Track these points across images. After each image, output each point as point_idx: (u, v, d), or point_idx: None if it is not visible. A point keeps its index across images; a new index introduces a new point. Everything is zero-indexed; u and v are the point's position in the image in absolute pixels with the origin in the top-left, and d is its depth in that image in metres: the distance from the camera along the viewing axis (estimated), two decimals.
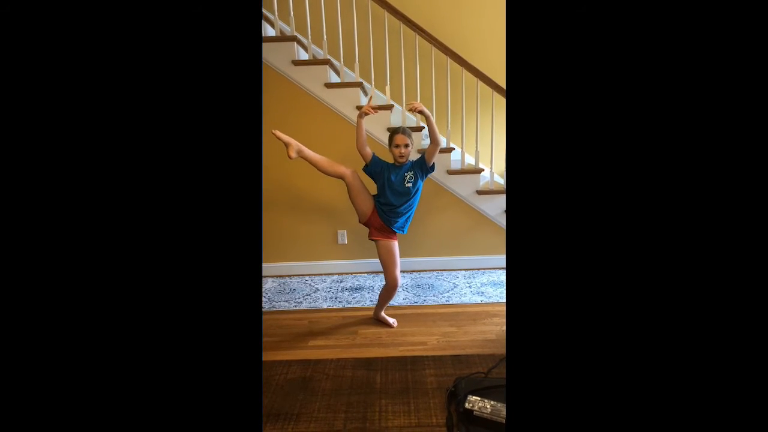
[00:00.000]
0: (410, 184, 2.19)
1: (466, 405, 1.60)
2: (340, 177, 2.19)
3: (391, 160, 2.26)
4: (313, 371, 1.95)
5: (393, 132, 2.21)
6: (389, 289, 2.34)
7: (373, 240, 2.29)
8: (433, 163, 2.21)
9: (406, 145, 2.17)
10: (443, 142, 2.85)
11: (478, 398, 1.61)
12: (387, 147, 2.32)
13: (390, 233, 2.26)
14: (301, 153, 2.14)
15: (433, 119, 2.13)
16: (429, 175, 2.28)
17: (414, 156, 2.35)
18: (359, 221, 2.31)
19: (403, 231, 2.29)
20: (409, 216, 2.28)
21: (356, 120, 2.20)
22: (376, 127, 2.91)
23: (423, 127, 2.96)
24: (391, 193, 2.20)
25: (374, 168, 2.25)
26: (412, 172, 2.20)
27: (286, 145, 2.11)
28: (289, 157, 2.10)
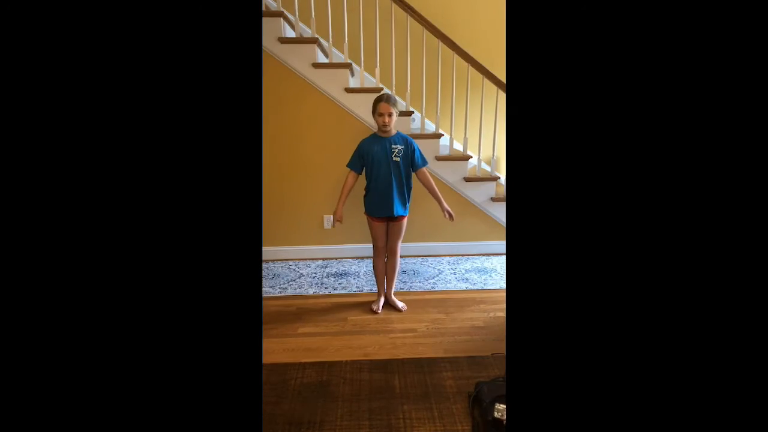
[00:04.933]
0: (398, 159, 2.17)
1: (495, 414, 1.54)
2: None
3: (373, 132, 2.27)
4: (329, 374, 1.89)
5: (377, 100, 2.15)
6: (393, 260, 2.39)
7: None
8: (420, 165, 2.26)
9: (390, 114, 2.12)
10: (432, 128, 2.82)
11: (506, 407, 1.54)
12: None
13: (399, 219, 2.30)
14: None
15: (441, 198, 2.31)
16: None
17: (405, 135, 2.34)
18: (379, 245, 2.36)
19: (406, 212, 2.31)
20: (407, 196, 2.27)
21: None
22: (362, 110, 2.85)
23: (412, 112, 2.93)
24: (379, 168, 2.18)
25: (360, 152, 2.22)
26: (401, 147, 2.18)
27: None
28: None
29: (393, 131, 2.20)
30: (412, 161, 2.21)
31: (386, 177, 2.18)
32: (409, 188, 2.27)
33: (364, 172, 2.25)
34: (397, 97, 3.03)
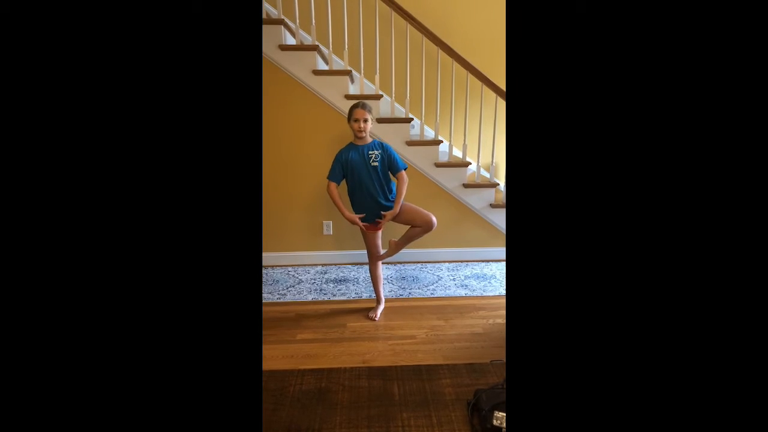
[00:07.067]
0: (377, 163, 2.21)
1: (494, 422, 1.54)
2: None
3: (351, 138, 2.28)
4: (328, 381, 1.88)
5: (353, 107, 2.19)
6: (426, 230, 2.34)
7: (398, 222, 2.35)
8: (400, 168, 2.26)
9: (365, 120, 2.17)
10: (431, 134, 2.82)
11: (505, 414, 1.54)
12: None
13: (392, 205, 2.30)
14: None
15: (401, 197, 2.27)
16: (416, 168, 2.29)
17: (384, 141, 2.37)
18: (377, 254, 2.39)
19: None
20: (390, 195, 2.29)
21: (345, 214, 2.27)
22: None
23: (412, 119, 2.94)
24: (359, 174, 2.21)
25: (339, 161, 2.23)
26: (378, 152, 2.21)
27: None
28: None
29: (368, 138, 2.24)
30: (391, 166, 2.25)
31: (368, 182, 2.22)
32: (390, 190, 2.31)
33: (344, 182, 2.29)
34: (396, 104, 3.05)
